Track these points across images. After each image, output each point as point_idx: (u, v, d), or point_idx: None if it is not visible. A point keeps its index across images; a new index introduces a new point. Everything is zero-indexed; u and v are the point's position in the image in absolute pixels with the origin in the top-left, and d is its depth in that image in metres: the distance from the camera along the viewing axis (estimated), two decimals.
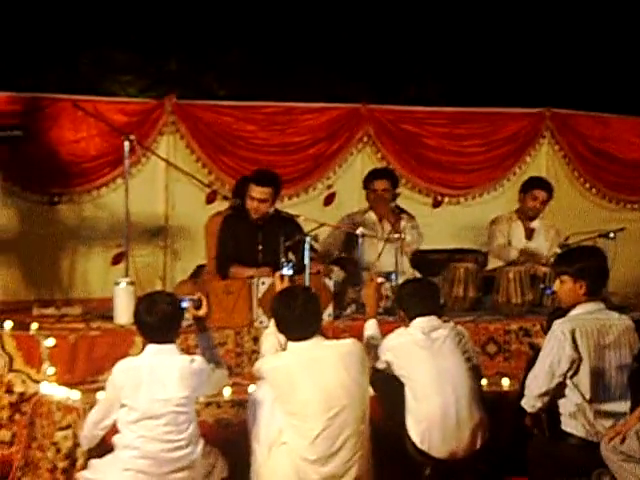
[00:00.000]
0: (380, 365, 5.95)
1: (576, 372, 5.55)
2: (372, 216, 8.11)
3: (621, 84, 11.53)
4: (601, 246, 6.95)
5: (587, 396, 5.53)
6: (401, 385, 5.83)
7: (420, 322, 5.94)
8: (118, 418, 5.35)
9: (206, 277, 7.61)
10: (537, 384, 5.62)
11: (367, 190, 8.14)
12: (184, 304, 5.70)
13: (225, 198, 8.04)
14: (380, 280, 6.84)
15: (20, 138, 7.15)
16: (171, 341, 5.49)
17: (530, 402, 5.65)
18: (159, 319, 5.44)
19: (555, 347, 5.57)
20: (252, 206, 7.35)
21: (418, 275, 7.80)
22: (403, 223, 8.03)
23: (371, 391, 5.64)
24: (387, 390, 5.85)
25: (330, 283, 7.12)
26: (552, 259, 7.93)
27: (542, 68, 11.62)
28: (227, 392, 6.22)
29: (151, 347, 5.46)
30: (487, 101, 9.93)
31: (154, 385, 5.33)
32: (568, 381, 5.57)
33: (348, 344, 5.68)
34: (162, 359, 5.42)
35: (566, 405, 5.60)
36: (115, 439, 5.36)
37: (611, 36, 11.67)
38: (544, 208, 8.46)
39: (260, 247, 7.44)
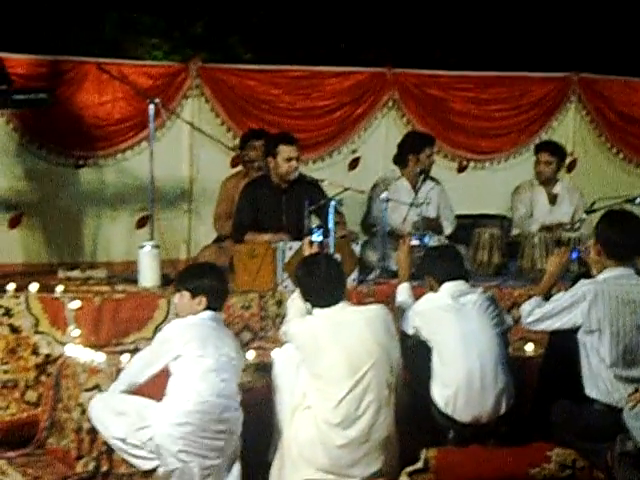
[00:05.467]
0: (409, 330, 5.96)
1: (598, 337, 5.54)
2: (406, 184, 8.04)
3: None
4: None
5: (607, 361, 5.52)
6: (429, 350, 5.84)
7: (449, 287, 5.93)
8: (176, 371, 5.40)
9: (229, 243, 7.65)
10: (537, 310, 5.73)
11: (418, 155, 7.99)
12: None
13: (247, 161, 8.03)
14: (414, 243, 6.80)
15: (45, 101, 7.15)
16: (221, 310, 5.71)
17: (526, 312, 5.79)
18: (227, 284, 5.77)
19: (569, 302, 5.61)
20: (288, 167, 7.35)
21: (444, 240, 7.78)
22: (431, 189, 7.99)
23: (399, 356, 5.62)
24: (414, 354, 5.86)
25: (356, 248, 7.12)
26: (578, 225, 7.93)
27: (570, 32, 11.53)
28: (251, 356, 6.24)
29: (208, 313, 5.57)
30: (514, 65, 9.85)
31: (220, 341, 5.48)
32: (589, 345, 5.57)
33: (375, 309, 5.69)
34: (219, 324, 5.62)
35: (587, 370, 5.59)
36: (170, 393, 5.39)
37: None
38: (555, 171, 8.39)
39: (284, 212, 7.43)
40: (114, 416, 5.43)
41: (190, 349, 5.38)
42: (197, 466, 5.31)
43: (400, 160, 8.12)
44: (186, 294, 5.59)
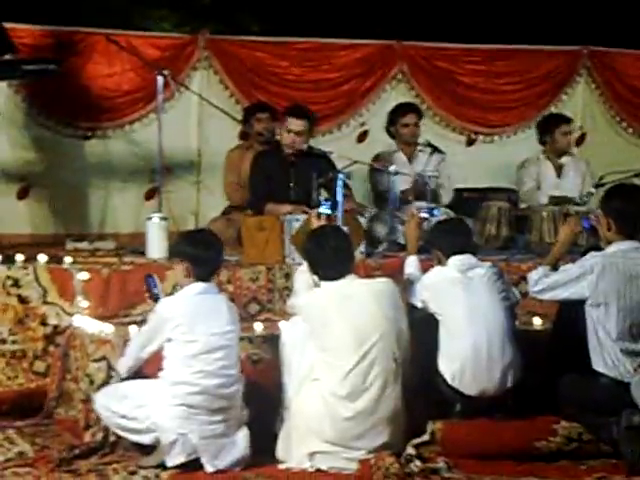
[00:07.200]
0: (417, 303, 5.96)
1: (605, 310, 5.55)
2: (401, 156, 8.05)
3: None
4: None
5: (614, 335, 5.54)
6: (436, 323, 5.84)
7: (457, 260, 5.93)
8: (168, 354, 5.42)
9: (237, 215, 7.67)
10: (544, 280, 5.75)
11: (395, 126, 8.06)
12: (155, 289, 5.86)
13: (259, 135, 8.05)
14: (422, 215, 6.80)
15: (54, 72, 7.14)
16: (210, 280, 5.62)
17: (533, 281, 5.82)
18: (217, 255, 5.61)
19: (577, 273, 5.63)
20: (289, 139, 7.37)
21: (452, 214, 7.76)
22: (427, 160, 7.96)
23: (406, 330, 5.63)
24: (422, 327, 5.86)
25: (363, 221, 7.11)
26: (585, 198, 7.91)
27: (580, 5, 11.44)
28: (259, 328, 6.25)
29: (198, 285, 5.52)
30: (524, 38, 9.80)
31: (210, 319, 5.42)
32: (595, 318, 5.58)
33: (382, 282, 5.70)
34: (209, 296, 5.54)
35: (594, 343, 5.60)
36: (165, 375, 5.42)
37: None
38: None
39: (292, 184, 7.44)
40: (117, 400, 5.48)
41: (179, 333, 5.37)
42: (197, 437, 5.34)
43: (388, 132, 8.17)
44: (176, 261, 5.63)
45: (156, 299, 5.82)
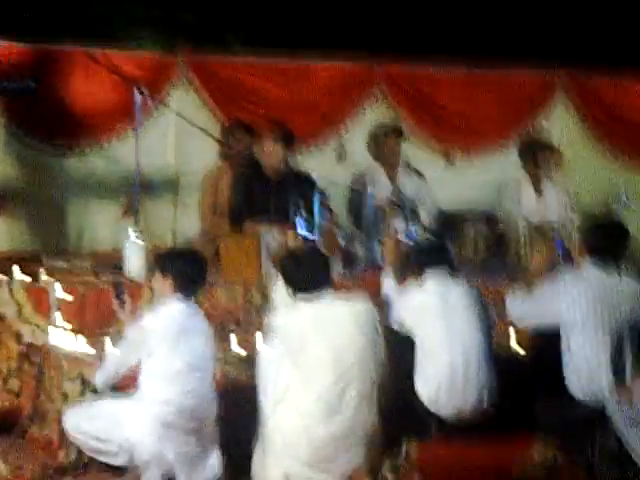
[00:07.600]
0: (394, 323, 5.96)
1: (580, 330, 5.58)
2: (382, 176, 8.08)
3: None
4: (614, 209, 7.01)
5: (589, 354, 5.57)
6: (413, 343, 5.84)
7: (435, 281, 5.93)
8: (146, 371, 5.40)
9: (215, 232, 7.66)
10: (520, 307, 5.87)
11: (377, 146, 8.09)
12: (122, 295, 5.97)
13: (238, 154, 8.04)
14: (400, 235, 6.81)
15: (32, 90, 7.13)
16: (193, 297, 5.61)
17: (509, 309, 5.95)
18: (202, 272, 5.63)
19: (551, 295, 5.71)
20: (265, 159, 7.42)
21: (430, 235, 7.78)
22: (413, 182, 7.98)
23: (383, 351, 5.62)
24: (399, 348, 5.86)
25: (341, 240, 7.12)
26: (563, 222, 7.94)
27: (556, 21, 11.51)
28: (235, 347, 6.23)
29: (181, 302, 5.51)
30: (501, 51, 9.80)
31: (191, 337, 5.43)
32: (571, 338, 5.61)
33: (361, 303, 5.69)
34: (192, 313, 5.55)
35: (570, 366, 5.61)
36: (141, 393, 5.39)
37: None
38: None
39: (272, 203, 7.44)
40: (88, 420, 5.45)
41: (161, 351, 5.36)
42: (172, 456, 5.33)
43: (369, 152, 8.27)
44: (158, 276, 5.61)
45: (121, 304, 5.86)
